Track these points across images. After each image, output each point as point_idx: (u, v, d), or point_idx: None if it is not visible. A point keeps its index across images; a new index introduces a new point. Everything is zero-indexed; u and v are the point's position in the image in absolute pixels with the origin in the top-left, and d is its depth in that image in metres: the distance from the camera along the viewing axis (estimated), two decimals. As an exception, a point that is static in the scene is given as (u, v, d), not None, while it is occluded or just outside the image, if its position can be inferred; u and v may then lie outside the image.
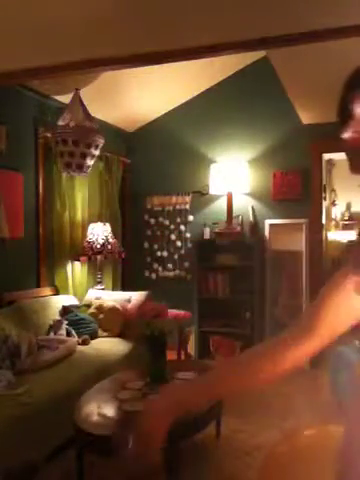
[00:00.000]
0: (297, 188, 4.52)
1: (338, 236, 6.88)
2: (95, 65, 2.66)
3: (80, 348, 3.40)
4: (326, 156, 5.09)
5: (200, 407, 0.90)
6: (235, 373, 0.90)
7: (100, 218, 4.55)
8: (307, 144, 4.45)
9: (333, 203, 6.80)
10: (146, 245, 5.10)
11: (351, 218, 7.04)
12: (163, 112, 5.01)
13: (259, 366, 0.88)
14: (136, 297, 4.13)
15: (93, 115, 3.76)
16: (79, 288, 4.31)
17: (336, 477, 0.75)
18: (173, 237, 5.00)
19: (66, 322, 3.55)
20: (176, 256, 5.00)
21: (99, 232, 4.20)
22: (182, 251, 4.98)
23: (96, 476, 2.46)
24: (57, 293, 4.03)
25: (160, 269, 5.06)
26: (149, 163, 5.13)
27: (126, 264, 5.04)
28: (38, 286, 3.92)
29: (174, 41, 2.46)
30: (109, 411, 2.30)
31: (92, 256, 4.15)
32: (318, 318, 0.88)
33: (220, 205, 4.77)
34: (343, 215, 7.11)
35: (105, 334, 3.79)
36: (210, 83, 4.75)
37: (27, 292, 3.73)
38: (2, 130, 3.51)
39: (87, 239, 4.19)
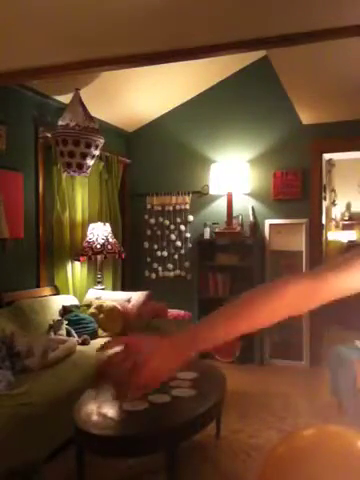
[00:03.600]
0: (297, 188, 4.52)
1: (338, 236, 6.88)
2: (95, 65, 2.67)
3: (80, 348, 3.40)
4: (326, 156, 5.10)
5: (217, 342, 0.88)
6: (237, 315, 0.91)
7: (100, 218, 4.55)
8: (307, 144, 4.45)
9: (333, 203, 6.81)
10: (146, 245, 5.10)
11: (351, 218, 7.05)
12: (163, 112, 5.01)
13: (258, 304, 0.88)
14: (136, 297, 4.13)
15: (93, 115, 3.77)
16: (79, 288, 4.31)
17: None
18: (173, 237, 5.00)
19: (66, 322, 3.56)
20: (176, 256, 5.00)
21: (99, 232, 4.20)
22: (182, 251, 4.98)
23: (96, 476, 2.46)
24: (57, 293, 4.03)
25: (160, 269, 5.06)
26: (149, 163, 5.13)
27: (126, 264, 5.04)
28: (38, 286, 3.92)
29: (174, 41, 2.46)
30: (109, 411, 2.30)
31: (92, 256, 4.15)
32: (328, 267, 0.86)
33: (220, 205, 4.77)
34: (343, 215, 7.12)
35: (105, 334, 3.79)
36: (210, 83, 4.75)
37: (27, 292, 3.73)
38: (2, 130, 3.51)
39: (87, 239, 4.19)
